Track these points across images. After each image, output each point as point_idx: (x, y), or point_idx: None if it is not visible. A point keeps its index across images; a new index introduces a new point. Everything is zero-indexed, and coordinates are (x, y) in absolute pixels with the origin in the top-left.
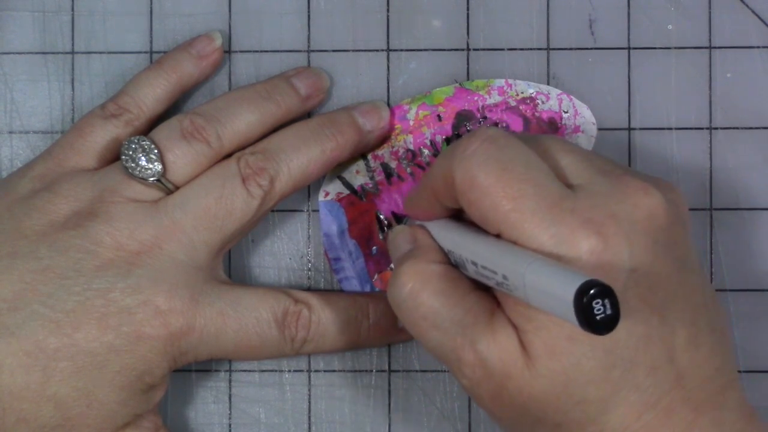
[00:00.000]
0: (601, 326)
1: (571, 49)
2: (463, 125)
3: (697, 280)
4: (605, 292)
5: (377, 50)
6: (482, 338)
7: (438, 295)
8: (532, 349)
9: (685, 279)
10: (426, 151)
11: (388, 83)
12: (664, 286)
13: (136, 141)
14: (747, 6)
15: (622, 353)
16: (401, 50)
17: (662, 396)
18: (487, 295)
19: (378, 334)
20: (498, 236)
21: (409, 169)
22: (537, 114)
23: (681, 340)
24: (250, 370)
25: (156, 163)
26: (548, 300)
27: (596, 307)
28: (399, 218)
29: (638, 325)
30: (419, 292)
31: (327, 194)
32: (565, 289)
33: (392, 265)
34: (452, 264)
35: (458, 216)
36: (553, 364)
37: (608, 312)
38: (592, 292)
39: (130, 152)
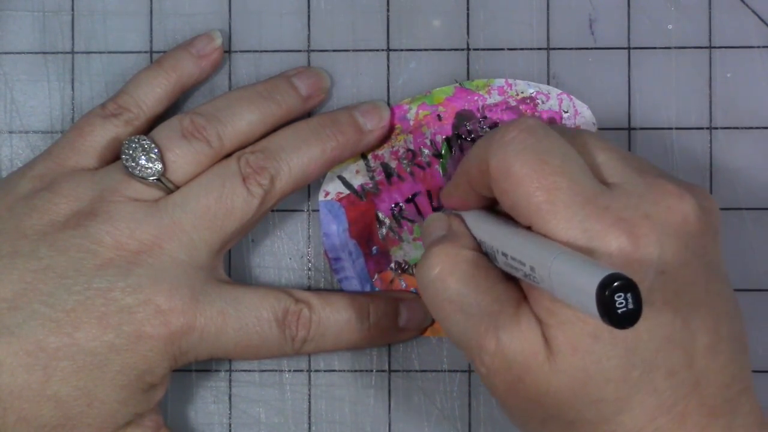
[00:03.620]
0: (623, 320)
1: (571, 49)
2: (463, 125)
3: (722, 288)
4: (628, 285)
5: (377, 50)
6: (506, 328)
7: (467, 280)
8: (555, 344)
9: (710, 286)
10: (426, 151)
11: (388, 83)
12: (689, 292)
13: (136, 140)
14: (747, 6)
15: (642, 355)
16: (401, 50)
17: (678, 400)
18: (515, 286)
19: (378, 334)
20: (529, 228)
21: (409, 169)
22: (537, 114)
23: (701, 346)
24: (250, 370)
25: (156, 163)
26: (572, 292)
27: (618, 301)
28: (398, 218)
29: (661, 328)
30: (448, 275)
31: (327, 194)
32: (589, 281)
33: (392, 266)
34: (483, 253)
35: (493, 208)
36: (574, 361)
37: (630, 306)
38: (615, 285)
39: (131, 151)
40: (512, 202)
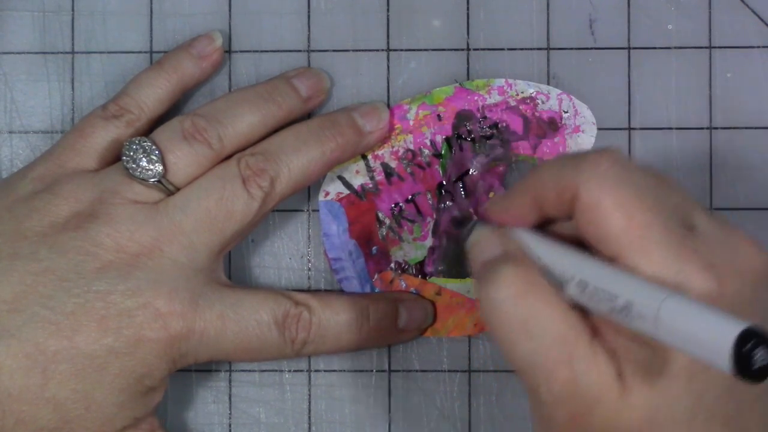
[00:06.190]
0: (758, 374)
1: (571, 49)
2: (463, 125)
3: None
4: (765, 340)
5: (377, 50)
6: (582, 358)
7: (545, 305)
8: (630, 380)
9: None
10: (426, 151)
11: (388, 83)
12: None
13: (137, 142)
14: (747, 6)
15: (707, 402)
16: (401, 50)
17: None
18: (586, 316)
19: (378, 336)
20: (611, 260)
21: (409, 169)
22: (537, 114)
23: (749, 397)
24: (250, 370)
25: (157, 164)
26: (689, 339)
27: (758, 355)
28: (398, 218)
29: (726, 378)
30: (524, 296)
31: (327, 194)
32: (721, 334)
33: (392, 266)
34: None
35: (542, 227)
36: (648, 399)
37: (766, 361)
38: (754, 340)
39: (131, 153)
40: (600, 234)
